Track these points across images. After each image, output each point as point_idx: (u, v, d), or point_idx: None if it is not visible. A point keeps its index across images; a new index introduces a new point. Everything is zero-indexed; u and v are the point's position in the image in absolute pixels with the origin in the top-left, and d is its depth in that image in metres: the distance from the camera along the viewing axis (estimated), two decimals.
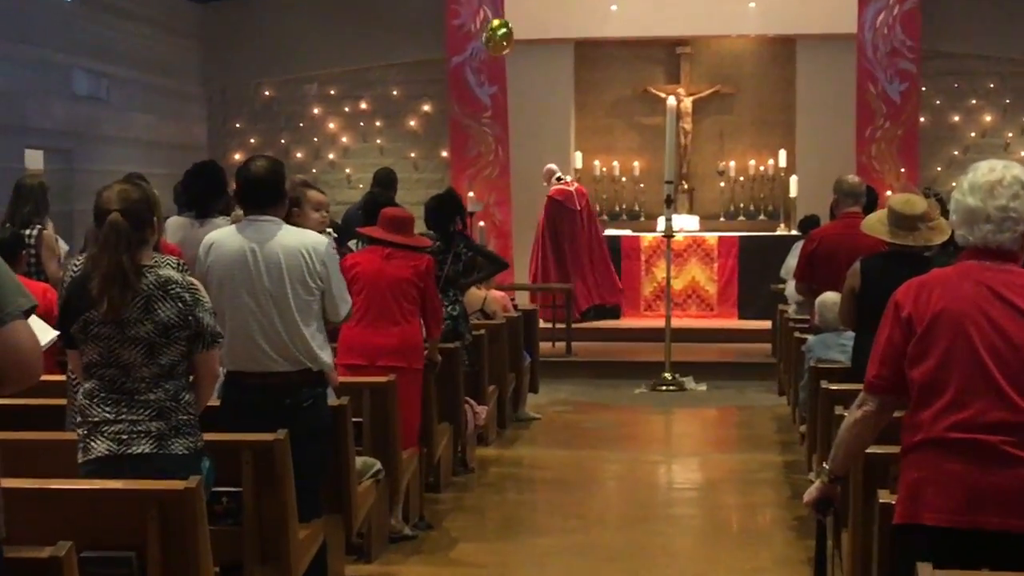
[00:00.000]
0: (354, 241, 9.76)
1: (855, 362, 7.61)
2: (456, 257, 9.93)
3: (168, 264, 4.99)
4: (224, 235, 6.16)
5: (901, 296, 4.17)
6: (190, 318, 4.93)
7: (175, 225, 8.73)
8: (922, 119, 17.81)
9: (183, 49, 18.88)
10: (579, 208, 17.21)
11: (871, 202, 9.51)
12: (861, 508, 5.53)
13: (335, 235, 9.19)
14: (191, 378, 5.07)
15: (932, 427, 4.03)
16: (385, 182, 12.55)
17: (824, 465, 4.51)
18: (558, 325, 15.91)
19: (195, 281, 5.07)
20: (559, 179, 17.32)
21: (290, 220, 7.34)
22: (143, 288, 4.87)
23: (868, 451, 4.75)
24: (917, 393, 4.08)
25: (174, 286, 4.91)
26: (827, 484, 4.49)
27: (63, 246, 10.48)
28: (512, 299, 13.78)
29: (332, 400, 6.47)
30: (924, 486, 4.02)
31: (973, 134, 18.14)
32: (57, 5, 15.21)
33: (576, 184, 17.43)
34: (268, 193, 6.10)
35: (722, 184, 19.00)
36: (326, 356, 6.17)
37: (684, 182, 18.65)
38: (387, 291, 8.22)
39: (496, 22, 15.84)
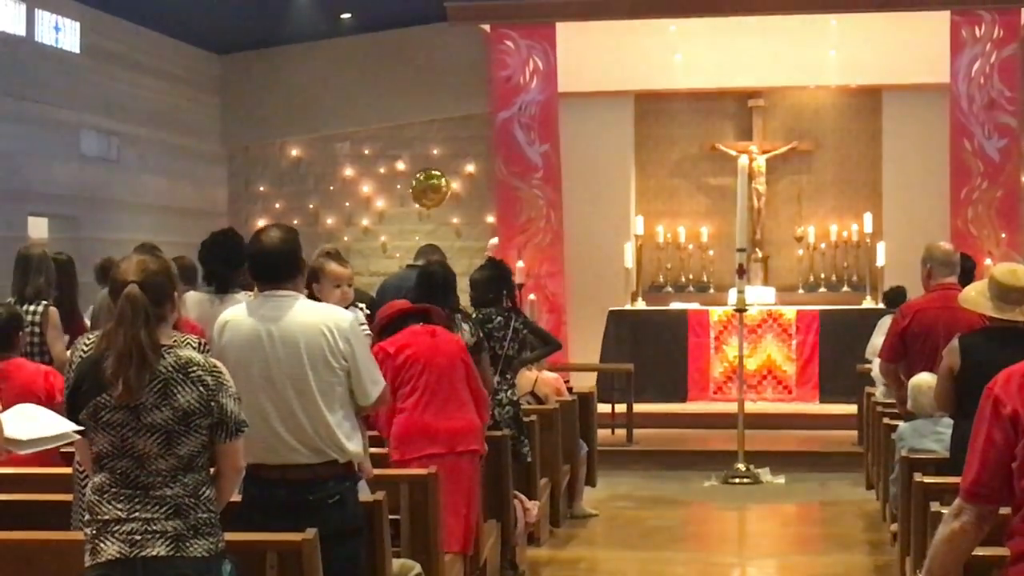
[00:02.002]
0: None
1: (953, 452, 7.55)
2: (515, 334, 9.94)
3: (189, 344, 5.01)
4: (238, 313, 6.13)
5: (1000, 390, 4.05)
6: (212, 404, 4.93)
7: (191, 301, 8.75)
8: None
9: (201, 105, 19.09)
10: None
11: (966, 272, 9.48)
12: None
13: (367, 311, 9.19)
14: (212, 471, 5.08)
15: None
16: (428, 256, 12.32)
17: (917, 574, 4.42)
18: (618, 410, 15.85)
19: (218, 363, 5.08)
20: None
21: (311, 296, 7.35)
22: (161, 370, 4.88)
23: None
24: None
25: (195, 368, 4.92)
26: None
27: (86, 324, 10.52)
28: (566, 381, 13.76)
29: (365, 495, 6.45)
30: None
31: None
32: (63, 57, 15.43)
33: None
34: (284, 266, 6.08)
35: (800, 252, 18.98)
36: (354, 445, 6.09)
37: (758, 250, 18.64)
38: (449, 370, 8.21)
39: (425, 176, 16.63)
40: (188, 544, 4.90)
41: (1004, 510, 4.17)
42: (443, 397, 8.16)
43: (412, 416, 8.03)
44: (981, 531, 4.18)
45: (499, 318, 9.87)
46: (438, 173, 18.76)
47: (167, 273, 5.04)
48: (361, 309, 9.03)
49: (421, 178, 18.53)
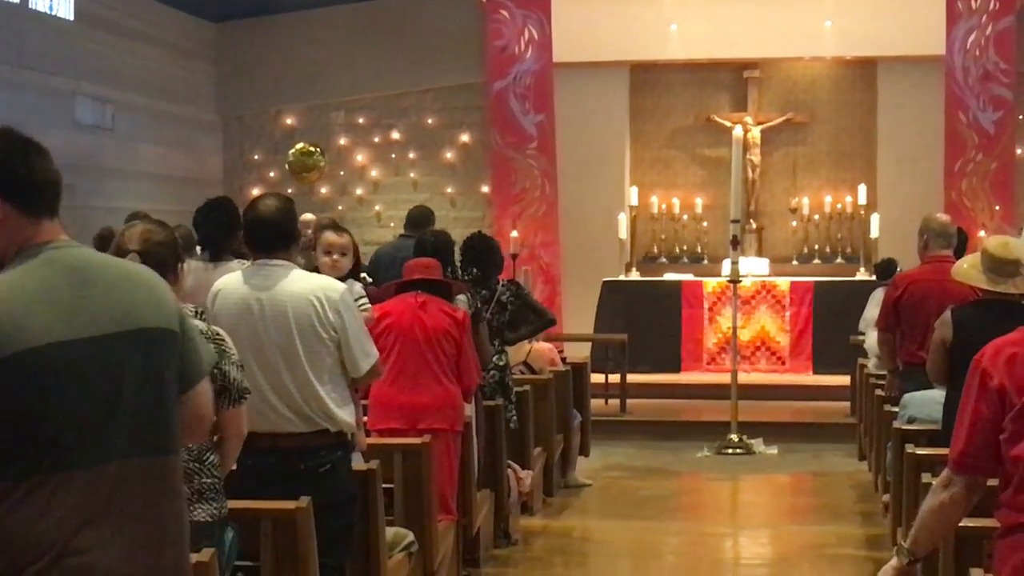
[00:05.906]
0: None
1: (945, 423, 7.58)
2: (501, 306, 9.91)
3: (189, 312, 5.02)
4: (230, 282, 6.16)
5: (988, 363, 4.10)
6: (215, 371, 4.95)
7: (185, 268, 8.74)
8: (1019, 151, 17.76)
9: (196, 73, 19.05)
10: None
11: (960, 244, 9.51)
12: None
13: (370, 280, 9.16)
14: (215, 437, 5.09)
15: None
16: (419, 223, 12.31)
17: (902, 543, 4.42)
18: (611, 380, 15.89)
19: (220, 331, 5.10)
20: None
21: (311, 266, 7.36)
22: None
23: (960, 524, 4.71)
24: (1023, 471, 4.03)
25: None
26: (905, 565, 4.37)
27: None
28: (560, 351, 13.78)
29: (360, 464, 6.48)
30: None
31: None
32: (57, 24, 15.39)
33: None
34: (278, 235, 6.09)
35: (795, 223, 18.98)
36: (346, 415, 6.11)
37: (752, 221, 18.63)
38: (424, 344, 8.12)
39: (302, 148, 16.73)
40: (192, 508, 4.93)
41: (992, 482, 4.20)
42: (414, 371, 8.08)
43: (380, 387, 7.99)
44: (970, 502, 4.22)
45: (484, 292, 9.79)
46: (314, 148, 18.63)
47: (171, 244, 5.03)
48: (363, 280, 9.01)
49: (296, 154, 18.42)
